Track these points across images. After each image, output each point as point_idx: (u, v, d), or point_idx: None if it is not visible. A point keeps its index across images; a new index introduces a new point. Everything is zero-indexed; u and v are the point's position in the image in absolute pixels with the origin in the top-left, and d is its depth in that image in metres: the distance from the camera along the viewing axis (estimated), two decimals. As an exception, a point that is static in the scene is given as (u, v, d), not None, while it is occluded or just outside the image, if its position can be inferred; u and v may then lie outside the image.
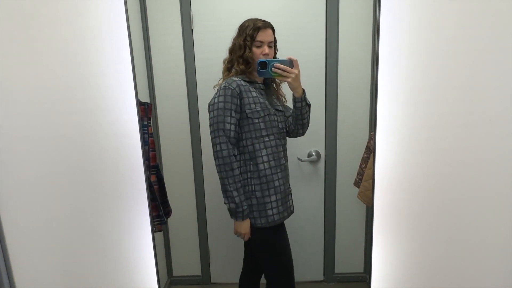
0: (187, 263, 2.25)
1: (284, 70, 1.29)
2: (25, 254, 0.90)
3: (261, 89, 1.44)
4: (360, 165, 1.76)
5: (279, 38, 1.47)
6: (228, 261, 2.19)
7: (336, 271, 2.22)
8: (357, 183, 1.79)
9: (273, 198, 1.39)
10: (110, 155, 0.86)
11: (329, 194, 2.09)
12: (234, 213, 1.36)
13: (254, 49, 1.36)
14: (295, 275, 1.55)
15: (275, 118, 1.41)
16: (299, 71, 1.31)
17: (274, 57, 1.43)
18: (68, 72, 0.81)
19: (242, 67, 1.38)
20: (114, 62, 0.83)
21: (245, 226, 1.39)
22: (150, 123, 1.44)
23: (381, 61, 0.82)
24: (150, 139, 1.42)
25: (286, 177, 1.45)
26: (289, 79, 1.30)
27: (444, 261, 0.94)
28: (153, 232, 0.90)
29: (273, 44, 1.41)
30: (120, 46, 0.84)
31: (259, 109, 1.35)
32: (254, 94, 1.37)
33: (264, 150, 1.37)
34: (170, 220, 2.15)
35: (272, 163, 1.38)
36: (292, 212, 1.51)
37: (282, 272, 1.46)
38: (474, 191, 0.86)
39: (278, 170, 1.40)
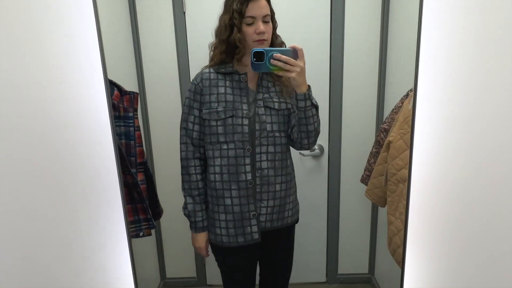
0: (181, 265, 2.12)
1: (286, 62, 0.99)
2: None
3: (241, 81, 1.15)
4: (368, 160, 1.62)
5: (279, 20, 1.17)
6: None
7: (339, 271, 2.10)
8: (364, 180, 1.65)
9: (222, 217, 1.18)
10: (78, 152, 0.71)
11: (332, 190, 1.96)
12: (190, 223, 1.22)
13: (245, 28, 1.07)
14: (295, 276, 1.44)
15: (245, 122, 1.12)
16: (304, 63, 1.02)
17: (273, 33, 1.13)
18: (29, 53, 0.65)
19: (222, 56, 1.14)
20: (79, 40, 0.67)
21: (198, 239, 1.22)
22: (137, 114, 1.28)
23: (423, 48, 0.66)
24: (136, 132, 1.26)
25: (247, 198, 1.15)
26: (293, 74, 1.01)
27: (483, 281, 0.80)
28: (129, 240, 0.75)
29: (270, 18, 1.10)
30: (85, 18, 0.67)
31: (221, 109, 1.11)
32: (222, 90, 1.13)
33: (219, 159, 1.14)
34: (162, 220, 2.02)
35: (225, 176, 1.14)
36: (256, 240, 1.19)
37: None
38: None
39: (234, 187, 1.14)
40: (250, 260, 1.26)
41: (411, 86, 1.36)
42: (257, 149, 1.14)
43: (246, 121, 1.12)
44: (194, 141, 1.17)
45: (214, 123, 1.12)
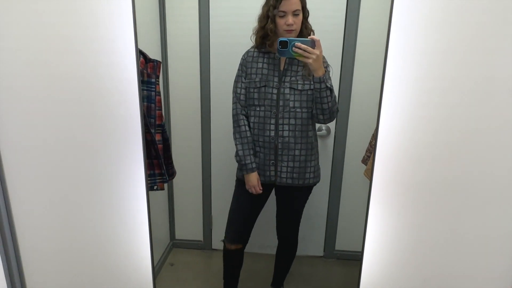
0: (190, 228, 2.28)
1: (305, 50, 1.22)
2: (25, 197, 0.91)
3: (275, 58, 1.42)
4: (370, 142, 1.71)
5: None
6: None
7: (337, 248, 2.21)
8: (365, 161, 1.75)
9: (252, 159, 1.49)
10: (108, 104, 0.85)
11: (335, 170, 2.06)
12: (240, 166, 1.50)
13: (278, 20, 1.33)
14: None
15: (274, 91, 1.41)
16: (320, 52, 1.24)
17: (303, 23, 1.36)
18: (66, 23, 0.80)
19: (258, 40, 1.41)
20: (112, 13, 0.80)
21: (250, 179, 1.49)
22: (158, 81, 1.42)
23: (393, 28, 0.76)
24: (157, 97, 1.40)
25: (269, 149, 1.46)
26: (310, 60, 1.23)
27: (444, 238, 0.91)
28: (147, 189, 0.89)
29: (300, 12, 1.33)
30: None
31: (258, 80, 1.42)
32: (260, 65, 1.43)
33: (253, 118, 1.46)
34: (174, 183, 2.18)
35: (255, 131, 1.47)
36: (273, 182, 1.50)
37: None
38: (485, 165, 0.82)
39: (260, 140, 1.46)
40: (257, 199, 1.55)
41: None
42: (280, 121, 1.42)
43: (275, 91, 1.41)
44: (241, 102, 1.48)
45: (252, 90, 1.44)
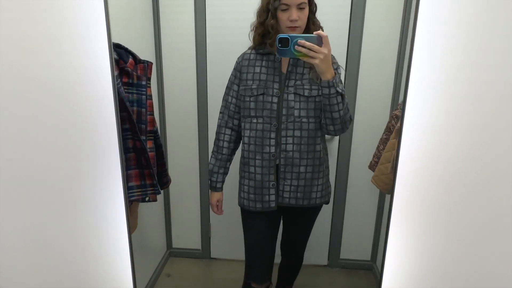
0: (188, 236, 2.18)
1: (310, 49, 1.01)
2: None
3: (276, 61, 1.22)
4: (378, 147, 1.61)
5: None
6: (230, 237, 2.11)
7: (341, 256, 2.12)
8: (372, 166, 1.64)
9: (246, 182, 1.32)
10: (78, 113, 0.74)
11: (340, 175, 1.96)
12: (209, 180, 1.40)
13: (280, 14, 1.13)
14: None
15: (274, 100, 1.21)
16: (329, 50, 1.02)
17: (310, 18, 1.17)
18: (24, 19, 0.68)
19: (260, 38, 1.21)
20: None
21: (211, 197, 1.41)
22: (149, 83, 1.31)
23: (419, 30, 0.65)
24: (148, 101, 1.29)
25: (269, 168, 1.25)
26: (316, 60, 1.02)
27: (466, 261, 0.80)
28: (127, 207, 0.78)
29: (307, 5, 1.13)
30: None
31: (254, 87, 1.23)
32: (258, 69, 1.23)
33: (248, 131, 1.27)
34: (171, 189, 2.08)
35: (252, 147, 1.26)
36: (273, 208, 1.29)
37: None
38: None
39: (258, 157, 1.26)
40: (269, 226, 1.37)
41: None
42: (283, 133, 1.22)
43: (275, 99, 1.21)
44: (230, 112, 1.32)
45: (247, 98, 1.24)
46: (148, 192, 1.27)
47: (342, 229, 2.06)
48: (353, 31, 1.73)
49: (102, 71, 0.70)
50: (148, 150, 1.30)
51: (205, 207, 2.10)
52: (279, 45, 1.03)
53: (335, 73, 1.09)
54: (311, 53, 1.01)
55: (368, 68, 1.78)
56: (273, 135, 1.23)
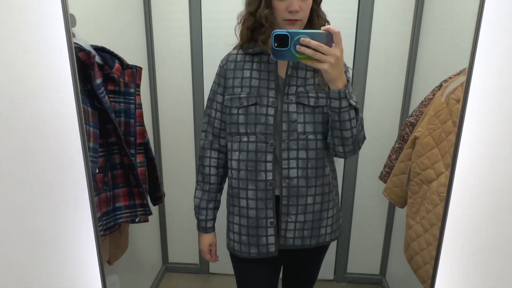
0: (185, 250, 2.06)
1: (316, 50, 0.75)
2: None
3: (270, 62, 0.95)
4: (389, 157, 1.48)
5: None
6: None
7: (348, 270, 2.00)
8: (383, 177, 1.52)
9: (236, 220, 1.02)
10: (38, 131, 0.60)
11: (347, 186, 1.84)
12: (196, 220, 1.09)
13: (276, 2, 0.86)
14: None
15: (270, 112, 0.94)
16: (341, 52, 0.77)
17: (314, 10, 0.92)
18: None
19: (249, 33, 0.95)
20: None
21: (201, 240, 1.10)
22: (139, 91, 1.18)
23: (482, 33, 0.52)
24: (137, 110, 1.16)
25: (265, 201, 0.97)
26: (325, 65, 0.76)
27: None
28: (97, 240, 0.65)
29: None
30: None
31: (244, 95, 0.95)
32: (247, 73, 0.96)
33: (237, 153, 0.97)
34: (167, 203, 1.95)
35: (242, 173, 0.97)
36: (273, 254, 1.00)
37: None
38: None
39: (251, 187, 0.97)
40: (268, 274, 1.08)
41: (445, 76, 1.21)
42: (284, 154, 0.94)
43: (271, 111, 0.94)
44: (215, 130, 1.03)
45: (235, 111, 0.96)
46: (138, 213, 1.14)
47: (349, 241, 1.95)
48: (361, 29, 1.62)
49: (60, 81, 0.55)
50: (138, 165, 1.18)
51: (203, 219, 1.97)
52: (275, 44, 0.77)
53: (347, 81, 0.84)
54: (318, 55, 0.75)
55: (377, 69, 1.67)
56: (270, 157, 0.95)
